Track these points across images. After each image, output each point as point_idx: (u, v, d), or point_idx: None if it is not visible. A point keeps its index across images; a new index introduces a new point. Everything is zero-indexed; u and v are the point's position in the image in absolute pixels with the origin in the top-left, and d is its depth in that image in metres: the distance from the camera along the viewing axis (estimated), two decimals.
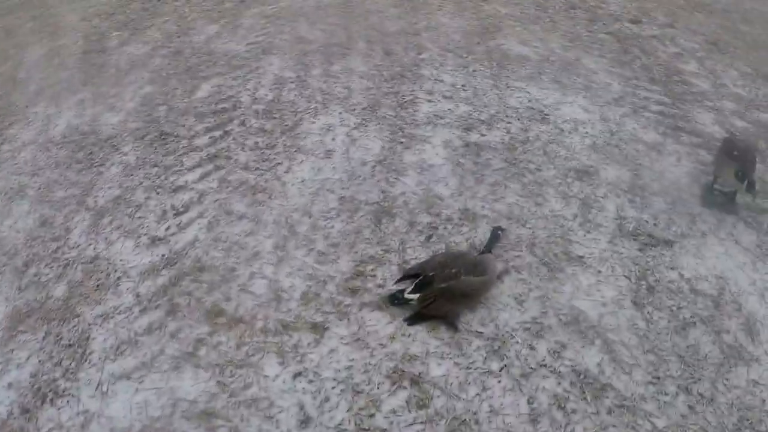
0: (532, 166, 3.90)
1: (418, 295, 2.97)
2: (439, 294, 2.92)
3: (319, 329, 3.02)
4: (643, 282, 3.10)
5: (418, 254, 3.32)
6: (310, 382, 2.71)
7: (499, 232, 3.22)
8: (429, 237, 3.47)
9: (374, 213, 3.63)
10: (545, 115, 4.50)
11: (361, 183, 3.89)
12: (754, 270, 3.19)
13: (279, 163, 4.22)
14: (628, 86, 4.91)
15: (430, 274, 3.02)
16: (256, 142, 4.46)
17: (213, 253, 3.48)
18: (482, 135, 4.29)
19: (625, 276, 3.13)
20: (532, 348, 2.84)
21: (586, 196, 3.64)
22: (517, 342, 2.87)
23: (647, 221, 3.45)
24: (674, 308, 2.98)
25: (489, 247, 3.11)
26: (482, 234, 3.39)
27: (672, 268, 3.18)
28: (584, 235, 3.36)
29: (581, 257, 3.23)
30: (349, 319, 3.04)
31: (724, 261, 3.22)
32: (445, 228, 3.50)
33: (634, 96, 4.77)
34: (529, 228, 3.43)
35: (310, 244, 3.49)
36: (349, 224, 3.58)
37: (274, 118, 4.77)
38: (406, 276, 3.18)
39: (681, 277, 3.13)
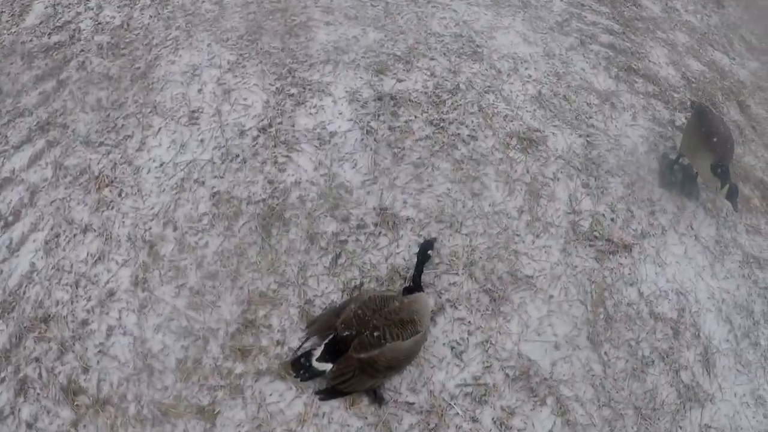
0: (465, 132, 2.82)
1: (331, 366, 2.08)
2: (358, 368, 2.05)
3: (208, 414, 2.13)
4: (601, 310, 2.43)
5: (324, 287, 2.35)
6: None
7: (429, 251, 2.24)
8: (336, 257, 2.47)
9: (261, 219, 2.51)
10: (477, 47, 3.29)
11: (240, 167, 2.66)
12: (712, 276, 2.63)
13: (129, 136, 2.81)
14: (572, 5, 3.75)
15: (345, 333, 2.12)
16: (99, 99, 2.94)
17: (57, 293, 2.36)
18: (399, 80, 3.04)
19: (580, 301, 2.46)
20: (474, 420, 2.26)
21: (534, 178, 2.74)
22: (457, 413, 2.27)
23: (604, 215, 2.66)
24: (633, 342, 2.41)
25: (418, 274, 2.18)
26: (407, 248, 2.44)
27: (631, 284, 2.52)
28: (533, 242, 2.53)
29: (530, 277, 2.44)
30: (243, 395, 2.16)
31: (684, 267, 2.61)
32: (356, 240, 2.48)
33: (580, 20, 3.64)
34: (466, 234, 2.51)
35: (179, 276, 2.40)
36: (228, 240, 2.46)
37: (123, 55, 3.13)
38: (313, 329, 2.23)
39: (640, 296, 2.49)
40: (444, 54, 3.20)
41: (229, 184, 2.66)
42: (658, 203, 2.80)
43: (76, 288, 2.42)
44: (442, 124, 2.86)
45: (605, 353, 2.35)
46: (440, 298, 2.35)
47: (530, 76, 3.21)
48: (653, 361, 2.37)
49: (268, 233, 2.51)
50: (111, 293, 2.43)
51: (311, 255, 2.45)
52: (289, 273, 2.40)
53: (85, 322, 2.34)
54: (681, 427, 2.28)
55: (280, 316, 2.32)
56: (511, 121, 2.94)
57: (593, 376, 2.29)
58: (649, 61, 3.52)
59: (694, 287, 2.58)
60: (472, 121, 2.89)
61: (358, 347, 2.04)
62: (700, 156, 2.67)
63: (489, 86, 3.09)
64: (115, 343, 2.31)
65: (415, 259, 2.23)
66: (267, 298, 2.36)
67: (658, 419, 2.27)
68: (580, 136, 2.94)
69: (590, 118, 3.07)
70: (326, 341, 2.13)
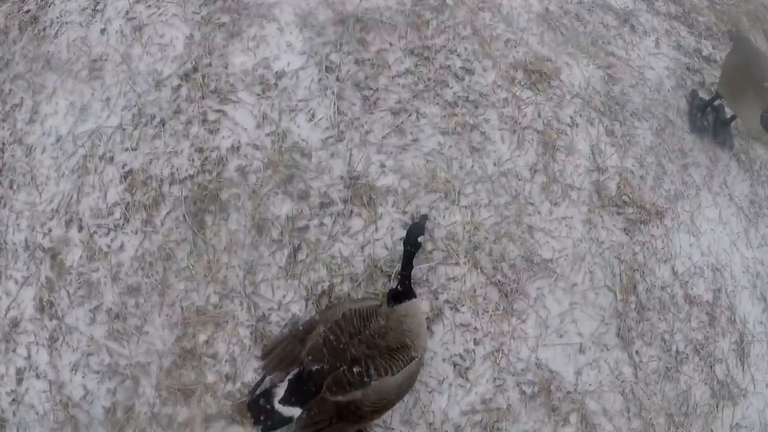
0: (458, 63, 2.03)
1: (299, 411, 1.44)
2: (335, 414, 1.42)
3: None
4: (632, 298, 1.87)
5: (280, 295, 1.69)
6: None
7: (420, 237, 1.54)
8: (294, 252, 1.72)
9: (189, 205, 1.76)
10: None
11: (158, 132, 1.84)
12: (747, 245, 2.13)
13: (17, 104, 1.97)
14: None
15: (313, 368, 1.45)
16: None
17: None
18: None
19: (608, 288, 1.86)
20: None
21: (547, 124, 2.02)
22: None
23: (632, 172, 2.03)
24: (667, 336, 1.87)
25: (407, 271, 1.51)
26: (388, 232, 1.76)
27: (665, 261, 1.96)
28: (550, 212, 1.88)
29: (548, 261, 1.82)
30: None
31: (719, 235, 2.08)
32: (320, 225, 1.74)
33: None
34: (466, 207, 1.83)
35: (92, 294, 1.71)
36: (148, 238, 1.73)
37: None
38: (271, 362, 1.56)
39: (674, 275, 1.96)
40: None
41: (144, 158, 1.83)
42: (690, 154, 2.23)
43: None
44: (426, 54, 2.09)
45: (636, 352, 1.88)
46: (437, 299, 1.75)
47: None
48: (687, 356, 1.91)
49: (200, 225, 1.75)
50: (14, 323, 1.71)
51: (260, 251, 1.73)
52: (233, 279, 1.69)
53: None
54: (712, 430, 1.95)
55: (227, 339, 1.65)
56: (515, 47, 2.22)
57: (623, 382, 1.82)
58: None
59: (729, 260, 2.07)
60: (465, 48, 2.14)
61: (333, 387, 1.41)
62: (746, 102, 2.08)
63: (484, 1, 2.35)
64: (29, 389, 1.66)
65: (402, 250, 1.62)
66: (207, 316, 1.67)
67: (691, 425, 1.89)
68: (599, 67, 2.27)
69: (608, 43, 2.40)
70: (290, 377, 1.55)
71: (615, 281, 1.91)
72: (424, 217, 1.65)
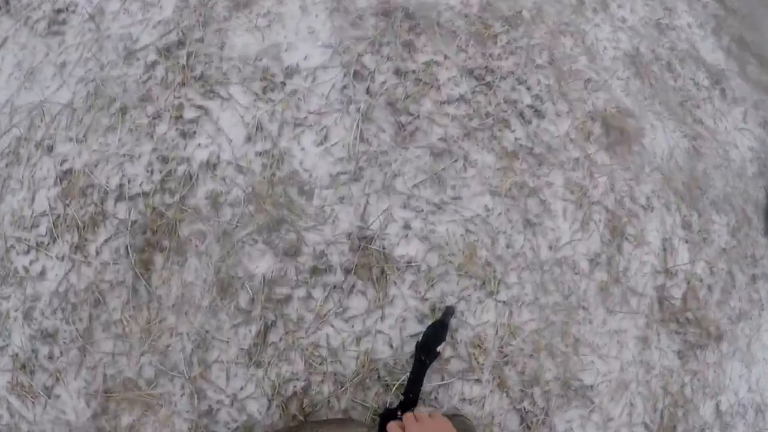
0: (527, 99, 1.15)
1: None
2: None
3: None
4: None
5: (236, 386, 0.94)
6: None
7: (439, 347, 0.86)
8: (267, 328, 0.93)
9: (136, 234, 0.96)
10: None
11: (115, 123, 1.01)
12: None
13: None
14: None
15: None
16: None
17: None
18: None
19: (645, 426, 1.12)
20: None
21: (619, 201, 1.18)
22: None
23: (701, 280, 1.23)
24: None
25: (414, 388, 0.83)
26: (398, 327, 0.97)
27: (711, 397, 1.22)
28: (603, 322, 1.09)
29: (588, 387, 1.07)
30: None
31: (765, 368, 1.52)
32: (307, 299, 0.96)
33: None
34: (505, 302, 1.04)
35: None
36: (77, 269, 0.97)
37: None
38: None
39: (717, 414, 1.21)
40: None
41: (90, 156, 1.03)
42: (760, 263, 1.48)
43: None
44: (488, 79, 1.26)
45: None
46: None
47: (624, 20, 1.58)
48: None
49: (146, 265, 0.98)
50: None
51: (220, 320, 0.97)
52: (177, 351, 0.95)
53: None
54: None
55: (158, 430, 1.01)
56: (596, 91, 1.39)
57: None
58: (764, 36, 1.94)
59: None
60: (539, 82, 1.31)
61: None
62: None
63: (566, 22, 1.47)
64: None
65: (413, 356, 0.89)
66: (136, 393, 0.94)
67: None
68: (685, 136, 1.47)
69: (697, 107, 1.57)
70: None
71: (655, 418, 1.21)
72: (449, 314, 0.91)
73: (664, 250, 1.34)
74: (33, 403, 1.10)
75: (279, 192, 1.10)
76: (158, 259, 1.08)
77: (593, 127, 1.38)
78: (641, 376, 1.26)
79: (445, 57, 1.26)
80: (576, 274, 1.22)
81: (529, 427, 1.13)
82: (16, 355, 1.10)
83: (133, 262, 1.07)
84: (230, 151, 1.11)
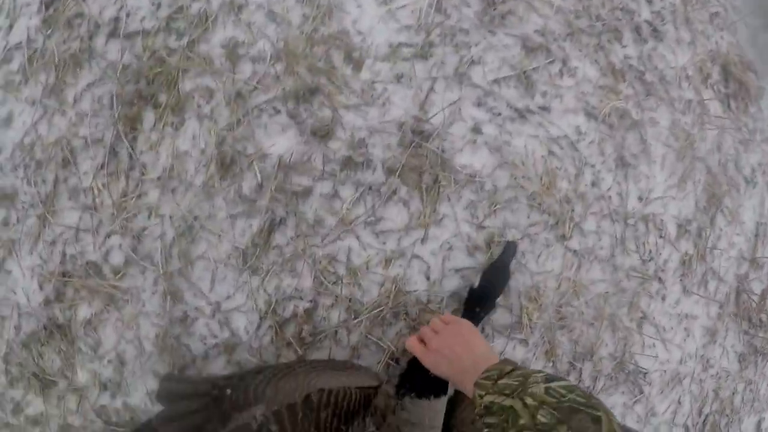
0: (645, 13, 0.78)
1: None
2: None
3: None
4: None
5: (222, 292, 0.65)
6: None
7: (500, 286, 0.60)
8: (274, 224, 0.62)
9: (128, 79, 0.63)
10: None
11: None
12: None
13: None
14: None
15: None
16: None
17: None
18: None
19: (686, 429, 0.85)
20: None
21: (723, 165, 0.84)
22: None
23: None
24: None
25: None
26: (440, 256, 0.67)
27: (757, 412, 0.93)
28: (676, 302, 0.79)
29: (641, 373, 0.77)
30: None
31: None
32: (332, 197, 0.64)
33: None
34: (576, 252, 0.73)
35: None
36: (50, 118, 0.65)
37: None
38: (170, 426, 0.54)
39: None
40: None
41: None
42: None
43: None
44: None
45: None
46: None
47: None
48: None
49: (132, 122, 0.66)
50: None
51: (215, 205, 0.64)
52: (154, 239, 0.64)
53: None
54: None
55: (119, 330, 0.64)
56: (720, 30, 0.98)
57: None
58: None
59: None
60: None
61: None
62: None
63: None
64: None
65: (465, 305, 0.60)
66: (99, 281, 0.64)
67: None
68: None
69: None
70: None
71: (698, 422, 0.94)
72: (511, 253, 0.61)
73: (756, 235, 1.03)
74: None
75: (319, 54, 0.77)
76: (149, 116, 0.73)
77: (712, 70, 1.03)
78: (697, 373, 0.98)
79: None
80: (661, 237, 0.91)
81: None
82: None
83: (116, 116, 0.74)
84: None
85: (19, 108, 0.82)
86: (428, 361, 0.53)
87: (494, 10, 0.82)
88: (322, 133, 0.75)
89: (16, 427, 0.86)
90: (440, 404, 0.57)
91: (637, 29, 0.94)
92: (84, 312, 0.79)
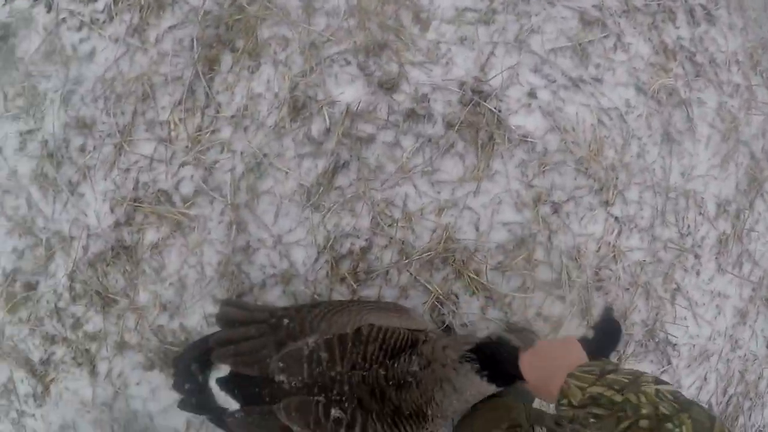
0: None
1: (235, 407, 0.67)
2: None
3: (40, 377, 0.86)
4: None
5: (285, 225, 0.81)
6: None
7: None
8: (338, 166, 0.78)
9: (208, 24, 0.83)
10: None
11: None
12: None
13: None
14: None
15: (280, 378, 0.62)
16: None
17: None
18: None
19: (710, 407, 1.04)
20: None
21: (765, 151, 0.98)
22: None
23: None
24: None
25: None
26: (491, 208, 0.82)
27: None
28: (710, 279, 0.93)
29: (671, 344, 0.93)
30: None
31: None
32: (393, 145, 0.79)
33: None
34: (617, 219, 0.86)
35: (32, 104, 0.85)
36: (132, 55, 0.82)
37: None
38: (228, 349, 0.69)
39: None
40: None
41: None
42: None
43: None
44: None
45: None
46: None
47: None
48: None
49: (211, 63, 0.81)
50: None
51: (284, 145, 0.79)
52: (225, 171, 0.79)
53: None
54: None
55: (184, 255, 0.81)
56: None
57: None
58: None
59: None
60: None
61: (293, 412, 0.61)
62: None
63: None
64: None
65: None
66: (169, 208, 0.80)
67: None
68: None
69: None
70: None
71: (721, 401, 1.09)
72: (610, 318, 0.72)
73: None
74: (54, 197, 0.98)
75: (389, 12, 0.92)
76: (226, 59, 0.90)
77: (762, 57, 1.18)
78: (725, 353, 1.13)
79: None
80: (700, 214, 1.06)
81: None
82: (46, 142, 0.95)
83: (196, 57, 0.89)
84: None
85: (102, 45, 0.98)
86: (526, 359, 0.61)
87: None
88: (388, 86, 0.89)
89: (73, 342, 1.02)
90: (488, 390, 0.66)
91: (691, 12, 1.08)
92: (151, 236, 0.95)
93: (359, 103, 0.88)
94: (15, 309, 1.03)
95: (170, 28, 0.94)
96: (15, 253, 1.01)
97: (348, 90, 0.88)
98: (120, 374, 0.98)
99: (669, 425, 0.49)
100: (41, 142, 0.99)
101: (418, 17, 0.91)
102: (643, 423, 0.51)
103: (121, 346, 0.98)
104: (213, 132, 0.90)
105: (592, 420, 0.55)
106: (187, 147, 0.91)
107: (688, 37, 1.05)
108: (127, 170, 0.94)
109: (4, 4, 1.03)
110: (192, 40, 0.92)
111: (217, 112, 0.90)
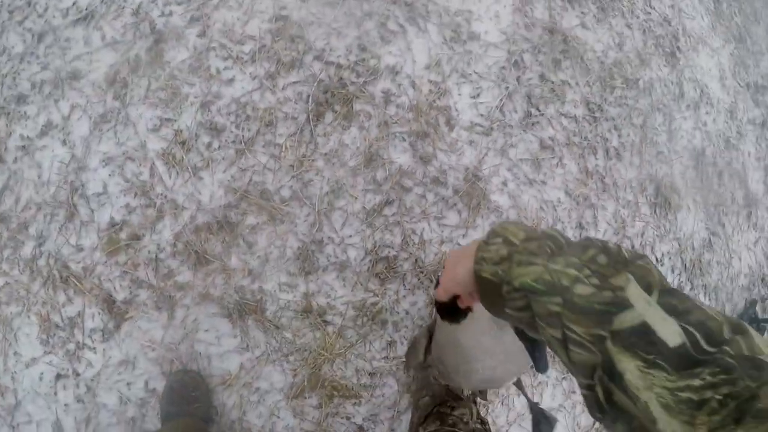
0: (614, 142, 2.24)
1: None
2: None
3: (116, 313, 1.72)
4: None
5: (346, 232, 1.88)
6: None
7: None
8: (387, 202, 1.84)
9: (320, 88, 1.89)
10: None
11: None
12: None
13: None
14: None
15: None
16: None
17: None
18: None
19: None
20: None
21: (643, 247, 2.49)
22: None
23: None
24: None
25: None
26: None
27: None
28: None
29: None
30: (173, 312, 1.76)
31: None
32: (421, 197, 1.88)
33: None
34: None
35: (172, 100, 1.85)
36: (263, 92, 1.87)
37: None
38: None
39: None
40: None
41: (307, 15, 1.92)
42: None
43: None
44: (597, 114, 2.28)
45: None
46: None
47: (705, 124, 2.79)
48: None
49: (316, 116, 1.83)
50: (75, 76, 1.81)
51: (356, 180, 1.84)
52: (315, 187, 1.82)
53: None
54: None
55: (272, 238, 1.77)
56: (662, 163, 2.52)
57: None
58: None
59: None
60: (628, 135, 2.39)
61: None
62: None
63: (665, 104, 2.61)
64: (47, 148, 1.81)
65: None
66: (269, 202, 1.77)
67: None
68: (707, 229, 2.61)
69: (725, 215, 2.74)
70: None
71: None
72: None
73: None
74: (177, 173, 1.86)
75: (432, 115, 2.03)
76: (329, 115, 1.93)
77: (648, 187, 2.51)
78: None
79: (576, 83, 2.29)
80: None
81: None
82: (180, 131, 1.86)
83: (309, 108, 1.90)
84: (411, 68, 2.02)
85: (242, 77, 1.91)
86: (440, 292, 1.00)
87: (530, 119, 2.18)
88: (425, 160, 1.97)
89: (160, 289, 1.83)
90: (458, 330, 1.21)
91: (607, 151, 2.37)
92: (251, 220, 1.85)
93: (407, 166, 1.95)
94: (115, 252, 1.84)
95: (294, 82, 1.93)
96: (127, 209, 1.85)
97: (401, 157, 1.95)
98: (194, 320, 1.84)
99: (640, 262, 0.71)
100: (175, 130, 1.88)
101: (448, 122, 2.04)
102: (606, 257, 0.73)
103: (204, 297, 1.83)
104: (312, 160, 1.90)
105: (548, 250, 0.78)
106: (292, 166, 1.89)
107: (602, 165, 2.32)
108: (244, 170, 1.87)
109: (161, 15, 1.97)
110: (308, 96, 1.92)
111: (316, 148, 1.92)
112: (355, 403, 1.85)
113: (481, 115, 1.99)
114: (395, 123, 1.89)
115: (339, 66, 1.89)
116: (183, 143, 1.82)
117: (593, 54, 2.24)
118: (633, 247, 2.25)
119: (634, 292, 0.67)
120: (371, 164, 1.85)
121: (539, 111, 2.08)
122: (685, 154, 2.49)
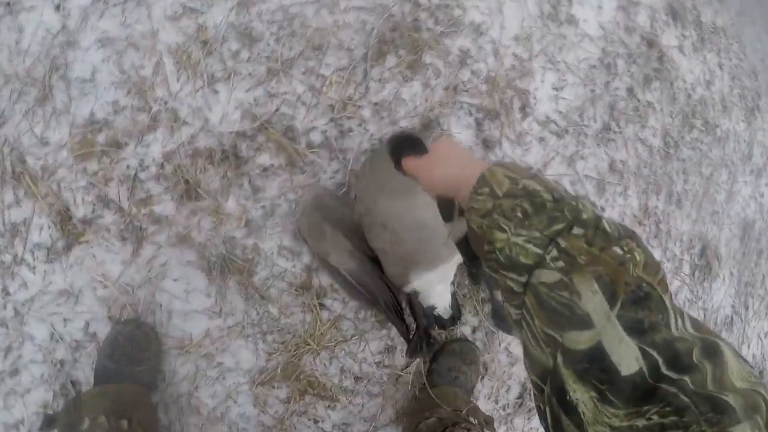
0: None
1: None
2: None
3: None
4: None
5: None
6: None
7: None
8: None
9: None
10: None
11: None
12: None
13: None
14: None
15: None
16: None
17: None
18: None
19: None
20: None
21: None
22: None
23: None
24: None
25: None
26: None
27: None
28: None
29: None
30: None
31: None
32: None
33: None
34: None
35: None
36: None
37: None
38: None
39: None
40: None
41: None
42: None
43: None
44: (670, 150, 2.08)
45: None
46: None
47: (762, 195, 2.62)
48: None
49: (378, 57, 1.55)
50: None
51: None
52: (355, 139, 1.54)
53: None
54: None
55: (282, 187, 1.51)
56: (715, 226, 2.34)
57: None
58: None
59: None
60: (695, 183, 2.20)
61: None
62: None
63: (733, 161, 2.41)
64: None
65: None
66: (293, 143, 1.47)
67: None
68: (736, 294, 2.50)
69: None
70: None
71: None
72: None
73: None
74: (188, 78, 1.47)
75: (508, 95, 1.72)
76: (391, 59, 1.59)
77: (696, 244, 2.30)
78: None
79: (661, 109, 2.05)
80: None
81: None
82: (205, 27, 1.49)
83: (370, 43, 1.56)
84: (498, 33, 1.71)
85: None
86: (431, 153, 1.03)
87: (607, 132, 1.93)
88: (488, 144, 1.68)
89: (130, 215, 1.41)
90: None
91: (670, 194, 2.17)
92: (264, 159, 1.48)
93: (467, 146, 1.65)
94: (85, 157, 1.44)
95: (359, 7, 1.59)
96: (113, 106, 1.45)
97: (463, 132, 1.64)
98: (164, 264, 1.45)
99: (617, 249, 0.60)
100: (199, 25, 1.50)
101: (523, 108, 1.75)
102: (578, 231, 0.62)
103: (182, 240, 1.46)
104: (357, 107, 1.56)
105: (519, 215, 0.67)
106: (331, 106, 1.53)
107: (662, 208, 2.10)
108: (273, 95, 1.51)
109: None
110: (372, 29, 1.59)
111: (366, 93, 1.57)
112: (329, 406, 1.55)
113: (560, 112, 1.72)
114: (465, 91, 1.59)
115: (417, 4, 1.58)
116: (205, 43, 1.46)
117: (683, 84, 2.02)
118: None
119: (592, 303, 0.59)
120: (428, 128, 1.53)
121: (618, 128, 1.83)
122: (737, 221, 2.31)
